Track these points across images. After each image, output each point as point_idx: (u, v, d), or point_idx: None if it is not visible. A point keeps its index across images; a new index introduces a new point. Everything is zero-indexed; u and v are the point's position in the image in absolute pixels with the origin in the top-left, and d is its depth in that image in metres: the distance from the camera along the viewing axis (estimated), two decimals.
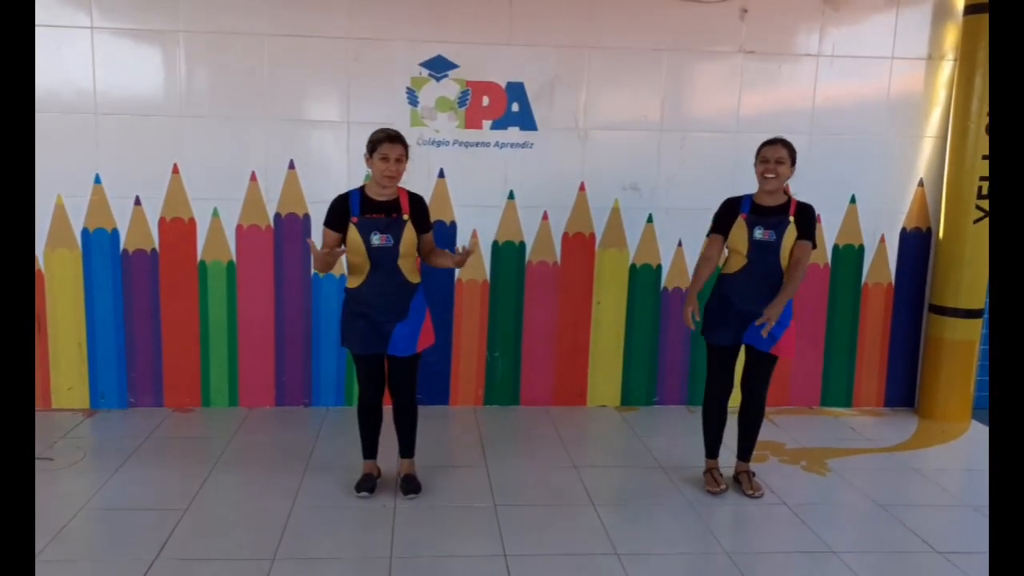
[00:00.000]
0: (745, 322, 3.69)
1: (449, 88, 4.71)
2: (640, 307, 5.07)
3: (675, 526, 3.57)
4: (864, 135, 4.97)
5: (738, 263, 3.74)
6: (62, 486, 3.75)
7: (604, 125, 4.85)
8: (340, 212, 3.53)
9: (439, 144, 4.75)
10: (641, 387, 5.16)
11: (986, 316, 5.06)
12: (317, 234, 4.75)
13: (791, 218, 3.62)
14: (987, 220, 4.85)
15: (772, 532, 3.57)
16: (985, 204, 4.83)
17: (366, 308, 3.56)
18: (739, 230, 3.70)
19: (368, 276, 3.54)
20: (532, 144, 4.81)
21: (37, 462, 3.99)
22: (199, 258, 4.76)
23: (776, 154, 3.60)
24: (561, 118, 4.81)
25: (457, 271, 4.87)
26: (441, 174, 4.79)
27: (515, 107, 4.77)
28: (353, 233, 3.50)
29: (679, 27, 4.78)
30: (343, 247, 3.54)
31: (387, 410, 3.81)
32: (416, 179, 4.49)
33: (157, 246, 4.72)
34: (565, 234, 4.95)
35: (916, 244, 5.15)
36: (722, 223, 3.78)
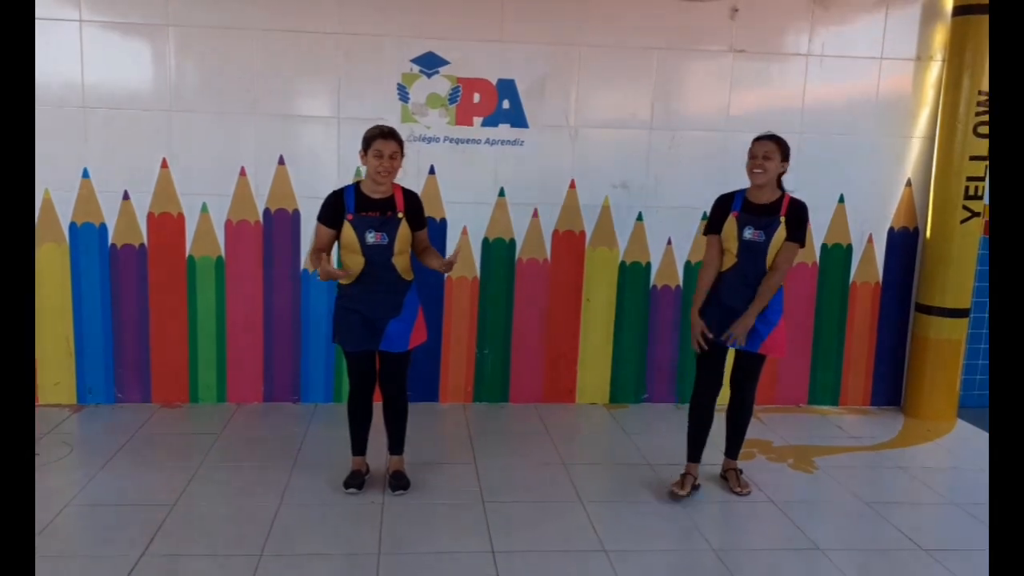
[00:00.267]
0: (731, 319, 3.69)
1: (440, 84, 4.71)
2: (630, 305, 5.08)
3: (663, 523, 3.58)
4: (853, 135, 4.99)
5: (728, 262, 3.75)
6: (48, 481, 3.72)
7: (595, 123, 4.85)
8: (334, 208, 3.52)
9: (430, 141, 4.74)
10: (630, 384, 5.18)
11: (986, 316, 5.11)
12: (307, 230, 4.75)
13: (782, 218, 3.60)
14: (974, 220, 4.88)
15: (759, 529, 3.59)
16: (972, 204, 4.86)
17: (359, 305, 3.55)
18: (730, 228, 3.71)
19: (362, 273, 3.54)
20: (523, 141, 4.81)
21: None
22: (188, 253, 4.74)
23: (763, 149, 3.60)
24: (552, 116, 4.81)
25: None
26: (432, 171, 4.78)
27: (506, 104, 4.77)
28: (348, 231, 3.49)
29: (670, 26, 4.79)
30: (349, 271, 3.51)
31: (376, 407, 3.80)
32: (406, 176, 4.48)
33: (146, 241, 4.70)
34: (555, 231, 4.96)
35: (903, 244, 5.18)
36: (717, 222, 3.79)
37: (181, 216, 4.70)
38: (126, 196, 4.64)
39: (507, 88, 4.75)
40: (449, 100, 4.73)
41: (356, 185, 3.57)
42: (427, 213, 4.60)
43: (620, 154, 4.89)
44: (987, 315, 5.32)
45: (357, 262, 3.53)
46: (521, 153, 4.82)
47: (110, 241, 4.68)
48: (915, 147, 5.07)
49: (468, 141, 4.78)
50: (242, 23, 4.54)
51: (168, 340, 4.80)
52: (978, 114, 4.77)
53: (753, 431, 4.13)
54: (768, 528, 3.58)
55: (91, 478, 3.80)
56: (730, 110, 4.90)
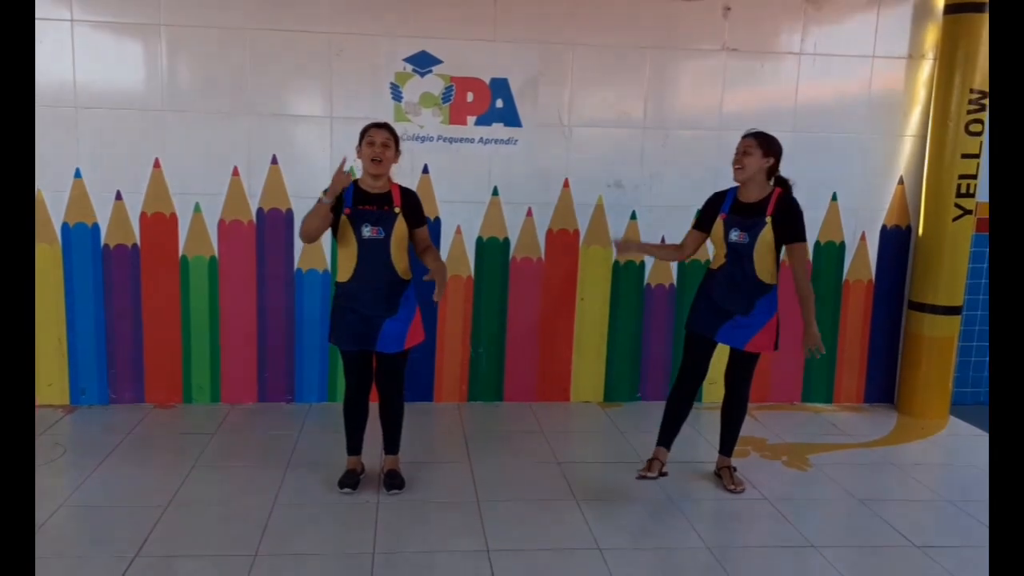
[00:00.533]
0: (722, 318, 3.71)
1: (433, 84, 4.71)
2: (624, 304, 5.09)
3: (657, 521, 3.59)
4: (845, 133, 5.01)
5: (718, 261, 3.77)
6: (42, 482, 3.70)
7: (588, 122, 4.86)
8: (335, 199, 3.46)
9: (423, 140, 4.74)
10: (624, 383, 5.18)
11: (978, 313, 5.13)
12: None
13: (767, 218, 3.60)
14: (966, 218, 4.90)
15: (753, 526, 3.60)
16: (964, 202, 4.88)
17: (356, 302, 3.54)
18: (718, 230, 3.73)
19: (358, 269, 3.53)
20: (516, 140, 4.81)
21: None
22: (181, 253, 4.73)
23: (742, 145, 3.63)
24: (545, 115, 4.81)
25: None
26: (425, 170, 4.78)
27: (499, 103, 4.77)
28: (345, 224, 3.49)
29: (662, 25, 4.80)
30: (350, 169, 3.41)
31: (372, 406, 3.80)
32: (400, 175, 4.46)
33: (138, 241, 4.69)
34: (549, 230, 4.96)
35: (896, 241, 5.20)
36: (704, 219, 3.81)
37: (174, 216, 4.69)
38: (119, 196, 4.63)
39: (500, 87, 4.75)
40: (442, 99, 4.72)
41: (355, 181, 3.57)
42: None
43: (613, 153, 4.90)
44: (979, 312, 5.34)
45: (353, 257, 3.52)
46: (515, 152, 4.82)
47: (102, 241, 4.66)
48: (907, 145, 5.08)
49: (461, 140, 4.78)
50: (235, 22, 4.53)
51: (161, 340, 4.79)
52: (970, 112, 4.79)
53: (747, 428, 4.14)
54: (762, 525, 3.60)
55: (85, 479, 3.79)
56: (723, 109, 4.91)
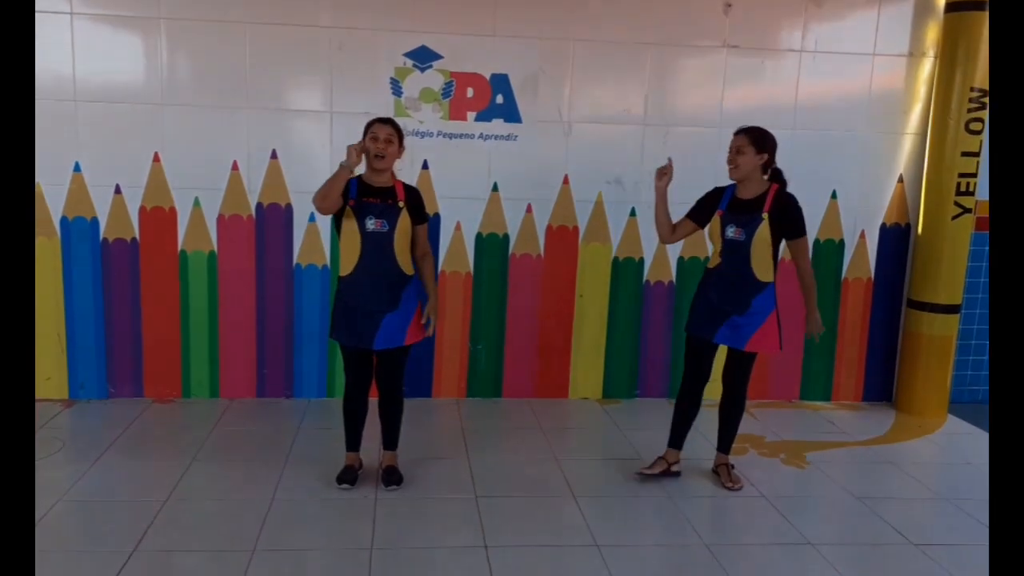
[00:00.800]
0: (719, 318, 3.71)
1: (433, 79, 4.70)
2: (623, 300, 5.08)
3: (655, 518, 3.60)
4: (845, 131, 5.01)
5: (714, 261, 3.78)
6: (40, 477, 3.70)
7: (588, 118, 4.85)
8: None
9: (423, 135, 4.73)
10: (623, 380, 5.19)
11: (977, 312, 5.12)
12: (300, 224, 4.74)
13: (764, 215, 3.59)
14: (965, 216, 4.90)
15: (751, 524, 3.61)
16: (964, 200, 4.88)
17: (358, 296, 3.54)
18: (714, 227, 3.74)
19: (361, 262, 3.53)
20: (516, 136, 4.80)
21: None
22: (180, 248, 4.72)
23: (735, 144, 3.63)
24: (545, 111, 4.80)
25: (441, 262, 4.87)
26: (425, 165, 4.78)
27: (499, 99, 4.76)
28: (348, 215, 3.49)
29: (663, 21, 4.79)
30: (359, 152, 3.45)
31: (371, 403, 3.80)
32: (400, 170, 4.46)
33: (137, 235, 4.68)
34: (549, 227, 4.96)
35: (895, 240, 5.20)
36: (698, 209, 3.83)
37: (173, 210, 4.68)
38: (118, 190, 4.62)
39: (501, 83, 4.75)
40: (442, 94, 4.72)
41: (358, 176, 3.57)
42: None
43: (613, 150, 4.89)
44: (978, 311, 5.35)
45: (356, 250, 3.51)
46: (514, 148, 4.81)
47: (102, 235, 4.66)
48: (907, 143, 5.08)
49: (461, 136, 4.77)
50: (234, 16, 4.52)
51: (160, 335, 4.79)
52: (970, 110, 4.79)
53: (745, 426, 4.15)
54: (760, 523, 3.60)
55: (83, 473, 3.79)
56: (723, 105, 4.91)
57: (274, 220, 4.75)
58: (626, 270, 5.06)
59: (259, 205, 4.73)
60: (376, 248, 3.51)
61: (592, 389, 5.18)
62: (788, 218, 3.60)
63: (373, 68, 4.65)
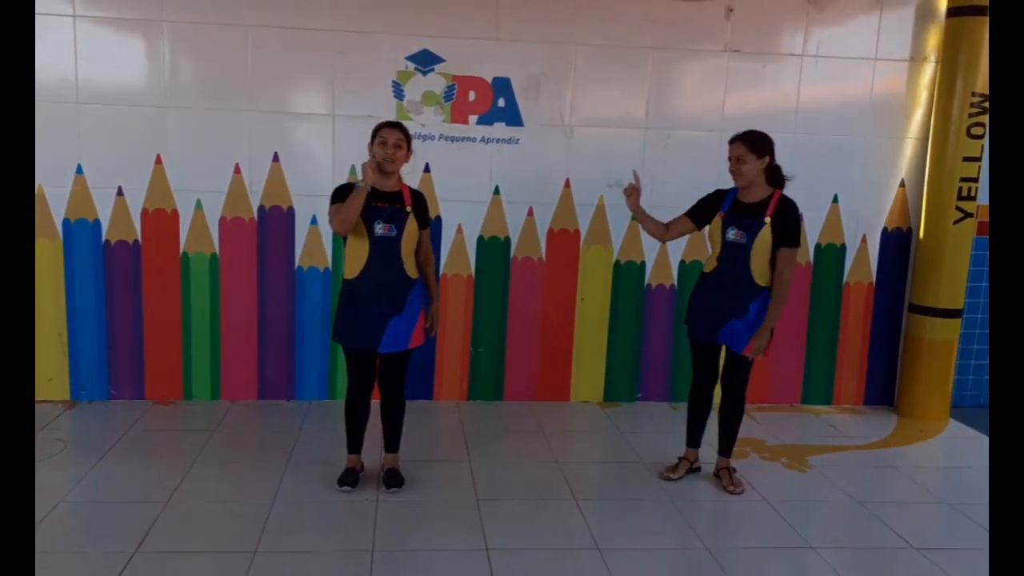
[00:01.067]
0: (719, 322, 3.72)
1: (435, 82, 4.70)
2: (624, 304, 5.09)
3: (656, 521, 3.59)
4: (847, 135, 5.01)
5: (711, 265, 3.78)
6: (41, 478, 3.70)
7: (590, 122, 4.86)
8: (348, 193, 3.45)
9: (425, 139, 4.74)
10: (624, 383, 5.18)
11: (978, 316, 5.12)
12: (302, 230, 4.74)
13: (767, 219, 3.59)
14: (967, 221, 4.90)
15: (752, 527, 3.60)
16: (965, 205, 4.88)
17: (364, 300, 3.54)
18: (715, 228, 3.74)
19: (367, 265, 3.53)
20: (518, 140, 4.81)
21: None
22: (182, 250, 4.73)
23: (735, 152, 3.62)
24: (547, 114, 4.81)
25: (442, 265, 4.88)
26: (427, 169, 4.78)
27: (501, 102, 4.77)
28: (358, 220, 3.48)
29: (665, 25, 4.80)
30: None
31: (373, 404, 3.80)
32: (403, 174, 4.47)
33: (139, 237, 4.69)
34: (550, 230, 4.96)
35: (897, 244, 5.20)
36: (698, 209, 3.84)
37: (175, 212, 4.69)
38: (120, 192, 4.63)
39: (502, 86, 4.75)
40: (444, 98, 4.72)
41: None
42: None
43: (615, 153, 4.89)
44: (979, 315, 5.35)
45: (363, 254, 3.51)
46: (516, 151, 4.82)
47: (103, 237, 4.66)
48: (908, 148, 5.08)
49: (463, 139, 4.78)
50: (237, 19, 4.53)
51: (162, 337, 4.79)
52: (971, 115, 4.79)
53: (746, 430, 4.15)
54: (761, 527, 3.60)
55: (84, 475, 3.79)
56: (725, 110, 4.91)
57: (276, 223, 4.76)
58: (627, 274, 5.06)
59: (261, 208, 4.73)
60: (384, 252, 3.51)
61: (593, 392, 5.18)
62: (785, 223, 3.60)
63: (375, 71, 4.66)
